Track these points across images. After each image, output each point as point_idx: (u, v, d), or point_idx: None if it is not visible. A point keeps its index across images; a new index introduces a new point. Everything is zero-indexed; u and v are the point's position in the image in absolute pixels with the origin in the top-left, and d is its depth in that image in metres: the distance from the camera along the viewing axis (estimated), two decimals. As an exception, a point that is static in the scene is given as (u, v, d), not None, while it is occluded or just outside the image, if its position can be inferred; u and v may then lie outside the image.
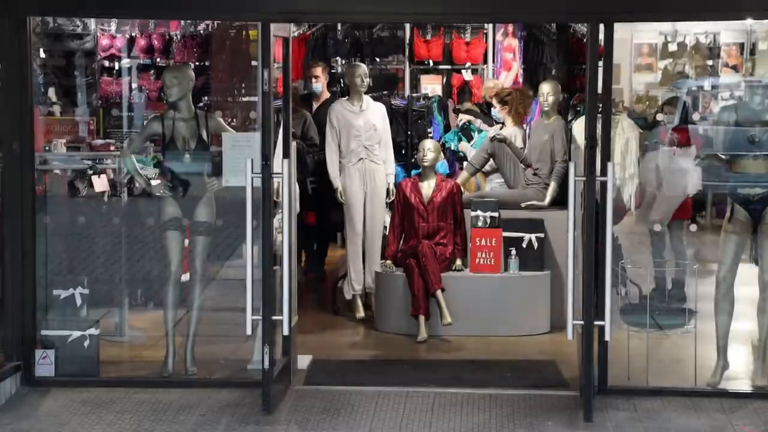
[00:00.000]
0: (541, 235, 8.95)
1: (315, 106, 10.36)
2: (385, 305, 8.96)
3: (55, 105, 10.45)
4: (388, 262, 8.99)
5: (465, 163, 9.93)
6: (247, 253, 6.57)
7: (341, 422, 6.52)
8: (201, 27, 11.25)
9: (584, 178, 6.70)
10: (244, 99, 10.34)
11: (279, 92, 7.79)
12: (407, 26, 12.64)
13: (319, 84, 10.34)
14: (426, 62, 12.79)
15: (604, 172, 6.60)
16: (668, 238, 8.96)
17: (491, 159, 9.50)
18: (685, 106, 9.57)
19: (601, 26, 6.70)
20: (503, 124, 9.91)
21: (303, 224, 9.68)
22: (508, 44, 12.61)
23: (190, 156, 7.37)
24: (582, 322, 6.59)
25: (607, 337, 6.63)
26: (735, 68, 12.43)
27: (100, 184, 8.42)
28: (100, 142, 8.92)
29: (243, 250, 6.98)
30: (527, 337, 8.65)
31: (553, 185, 9.14)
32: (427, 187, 9.00)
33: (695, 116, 9.23)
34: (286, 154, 6.98)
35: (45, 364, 7.15)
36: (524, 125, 9.86)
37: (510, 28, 12.52)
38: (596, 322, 6.55)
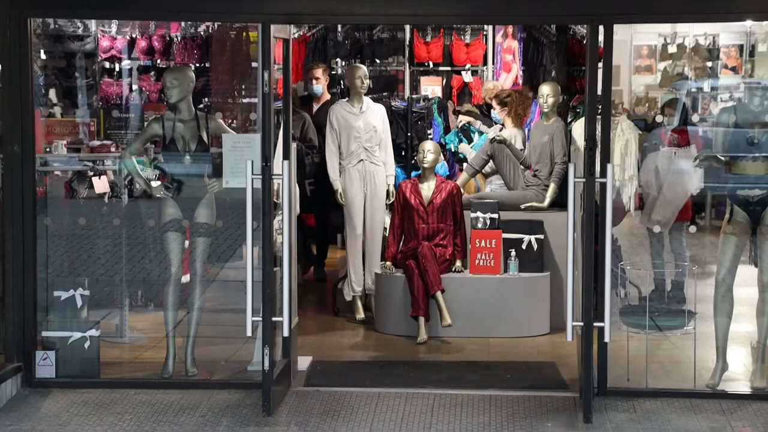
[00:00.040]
0: (541, 236, 8.97)
1: (315, 107, 10.38)
2: (385, 306, 8.97)
3: (55, 106, 10.46)
4: (388, 263, 9.00)
5: (465, 164, 9.94)
6: (247, 254, 6.58)
7: (341, 423, 6.53)
8: (201, 28, 11.26)
9: (584, 180, 6.72)
10: (245, 100, 10.35)
11: (279, 94, 7.80)
12: (407, 28, 12.64)
13: (320, 85, 10.35)
14: (426, 64, 12.79)
15: (603, 174, 6.61)
16: (667, 240, 8.96)
17: (491, 160, 9.51)
18: (684, 108, 9.58)
19: (601, 28, 6.71)
20: (503, 125, 9.93)
21: (301, 226, 9.69)
22: (507, 46, 12.62)
23: (190, 157, 7.38)
24: (581, 324, 6.59)
25: (607, 339, 6.64)
26: (734, 70, 12.43)
27: (101, 185, 8.42)
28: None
29: (243, 251, 6.99)
30: (527, 339, 8.66)
31: (552, 187, 9.16)
32: (427, 188, 9.01)
33: (695, 118, 9.24)
34: (286, 156, 6.99)
35: (46, 365, 7.16)
36: (524, 127, 9.87)
37: (510, 29, 12.52)
38: (596, 324, 6.56)
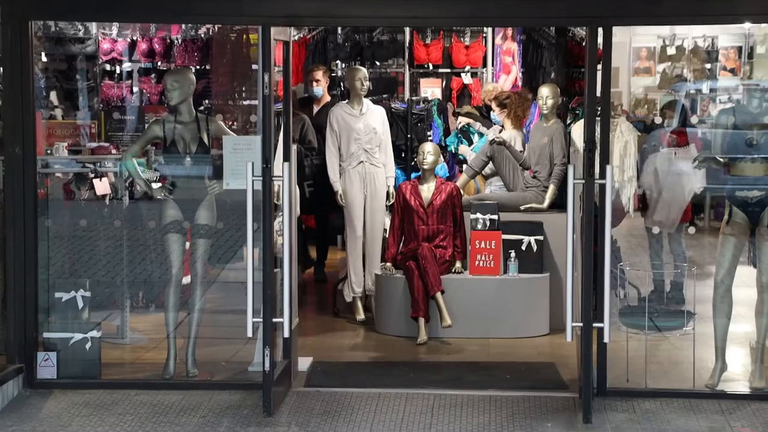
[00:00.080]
0: (540, 237, 8.99)
1: (315, 109, 10.40)
2: (385, 307, 8.99)
3: (56, 108, 10.48)
4: (388, 264, 9.01)
5: (464, 166, 9.96)
6: (248, 255, 6.59)
7: (342, 424, 6.54)
8: (202, 31, 11.28)
9: (583, 181, 6.73)
10: (245, 102, 10.37)
11: (279, 95, 7.82)
12: (407, 30, 12.67)
13: (320, 87, 10.38)
14: (426, 66, 12.81)
15: (602, 175, 6.62)
16: (666, 241, 8.98)
17: (490, 162, 9.53)
18: (683, 109, 9.60)
19: (600, 30, 6.72)
20: (502, 126, 9.95)
21: (300, 228, 9.71)
22: (507, 48, 12.64)
23: (191, 159, 7.39)
24: (581, 324, 6.60)
25: (606, 339, 6.66)
26: (733, 71, 12.45)
27: (102, 187, 8.44)
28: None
29: (244, 252, 7.00)
30: (526, 339, 8.68)
31: (552, 188, 9.18)
32: (427, 190, 9.03)
33: (693, 119, 9.26)
34: (286, 158, 7.01)
35: (47, 366, 7.18)
36: (523, 128, 9.89)
37: (509, 31, 12.55)
38: (595, 324, 6.57)
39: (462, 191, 9.32)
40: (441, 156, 9.64)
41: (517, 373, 7.71)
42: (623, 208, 8.86)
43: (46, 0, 7.12)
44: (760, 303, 7.14)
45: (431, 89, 12.62)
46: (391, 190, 9.33)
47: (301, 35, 12.43)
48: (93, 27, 11.20)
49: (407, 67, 12.82)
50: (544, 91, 9.30)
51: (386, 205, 9.33)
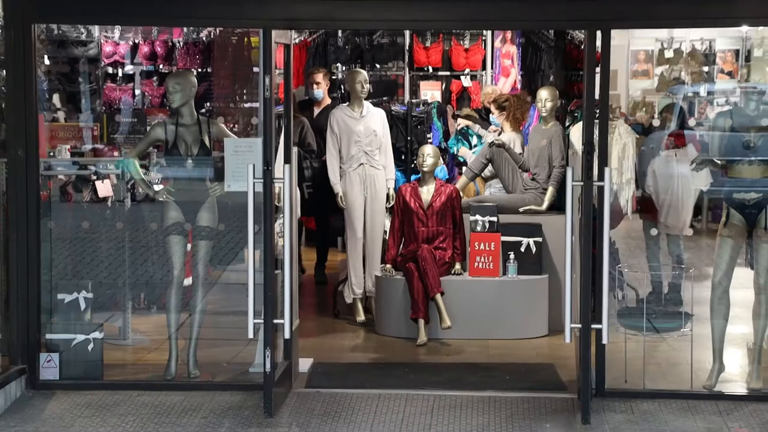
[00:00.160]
0: (539, 239, 9.01)
1: (316, 111, 10.43)
2: (385, 309, 9.01)
3: (59, 111, 10.51)
4: (388, 266, 9.04)
5: (464, 168, 9.99)
6: (249, 257, 6.62)
7: (342, 424, 6.57)
8: (203, 34, 11.33)
9: (582, 183, 6.74)
10: (246, 105, 10.42)
11: (280, 98, 7.86)
12: (407, 33, 12.71)
13: (321, 90, 10.41)
14: (425, 68, 12.86)
15: (601, 177, 6.64)
16: (664, 243, 8.99)
17: (490, 164, 9.56)
18: (681, 112, 9.63)
19: (599, 33, 6.73)
20: (501, 129, 9.99)
21: (299, 229, 9.74)
22: (506, 51, 12.68)
23: (192, 161, 7.42)
24: (580, 326, 6.62)
25: (605, 341, 6.67)
26: (730, 74, 12.49)
27: (104, 189, 8.47)
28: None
29: (245, 254, 7.02)
30: (525, 341, 8.70)
31: (551, 190, 9.20)
32: (427, 192, 9.06)
33: (691, 122, 9.28)
34: (287, 160, 7.04)
35: (49, 367, 7.19)
36: (522, 131, 9.92)
37: (508, 34, 12.58)
38: (594, 326, 6.58)
39: (461, 193, 9.35)
40: (440, 158, 9.67)
41: (516, 374, 7.73)
42: (621, 210, 8.89)
43: (48, 3, 7.14)
44: (758, 304, 7.16)
45: (431, 92, 12.66)
46: (391, 192, 9.35)
47: (302, 38, 12.48)
48: (95, 30, 11.25)
49: (407, 69, 12.86)
50: (543, 94, 9.33)
51: (386, 207, 9.36)
